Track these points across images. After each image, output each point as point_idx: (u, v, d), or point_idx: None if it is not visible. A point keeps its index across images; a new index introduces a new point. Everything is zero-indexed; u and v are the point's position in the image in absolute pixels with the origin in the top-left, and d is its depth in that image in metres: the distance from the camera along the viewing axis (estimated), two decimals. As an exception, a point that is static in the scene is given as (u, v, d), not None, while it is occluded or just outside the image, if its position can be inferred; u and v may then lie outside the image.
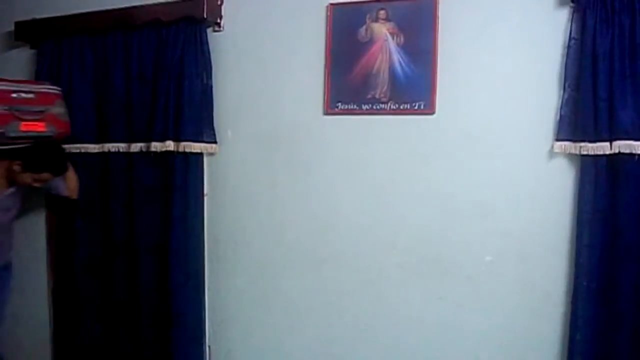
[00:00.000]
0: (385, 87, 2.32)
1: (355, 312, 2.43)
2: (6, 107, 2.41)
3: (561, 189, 2.13)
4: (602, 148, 2.01)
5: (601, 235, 2.04)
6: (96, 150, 2.73)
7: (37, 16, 2.82)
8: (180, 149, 2.52)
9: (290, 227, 2.51)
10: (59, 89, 2.66)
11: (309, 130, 2.46)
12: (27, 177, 2.53)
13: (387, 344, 2.39)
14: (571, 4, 2.07)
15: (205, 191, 2.62)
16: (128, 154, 2.67)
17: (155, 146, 2.55)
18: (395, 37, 2.31)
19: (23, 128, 2.44)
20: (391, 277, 2.37)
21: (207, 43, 2.54)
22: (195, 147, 2.53)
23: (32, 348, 3.02)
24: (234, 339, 2.65)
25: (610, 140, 2.00)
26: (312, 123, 2.45)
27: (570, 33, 2.07)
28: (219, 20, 2.57)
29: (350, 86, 2.37)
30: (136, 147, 2.63)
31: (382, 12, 2.33)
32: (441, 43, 2.24)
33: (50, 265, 2.96)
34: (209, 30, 2.57)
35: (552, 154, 2.12)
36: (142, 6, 2.61)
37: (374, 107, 2.34)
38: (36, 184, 2.57)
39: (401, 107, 2.30)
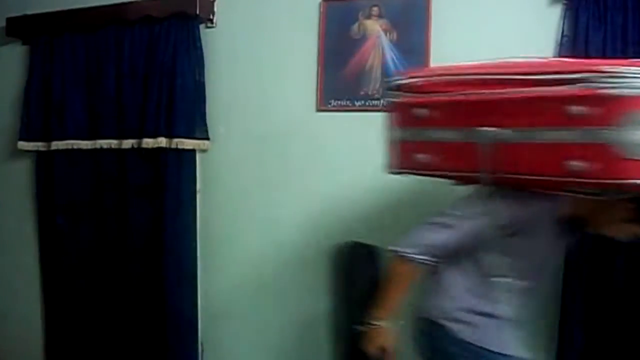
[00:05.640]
0: (378, 84, 2.31)
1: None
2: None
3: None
4: (594, 145, 2.01)
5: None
6: (88, 147, 2.70)
7: (29, 12, 2.80)
8: (173, 146, 2.51)
9: (283, 224, 2.51)
10: None
11: (301, 126, 2.45)
12: (624, 228, 1.68)
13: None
14: (564, 2, 2.08)
15: (198, 188, 2.60)
16: (119, 151, 2.65)
17: (147, 142, 2.54)
18: (388, 34, 2.31)
19: None
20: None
21: (199, 39, 2.53)
22: (187, 143, 2.52)
23: (23, 347, 3.00)
24: (227, 336, 2.64)
25: (602, 137, 2.00)
26: (305, 119, 2.44)
27: (563, 30, 2.08)
28: (211, 17, 2.56)
29: (343, 83, 2.37)
30: (127, 143, 2.61)
31: (375, 8, 2.33)
32: (434, 40, 2.24)
33: (41, 264, 2.94)
34: (202, 26, 2.56)
35: (544, 151, 2.13)
36: (134, 2, 2.60)
37: (367, 104, 2.34)
38: (623, 237, 1.78)
39: (394, 103, 2.30)
